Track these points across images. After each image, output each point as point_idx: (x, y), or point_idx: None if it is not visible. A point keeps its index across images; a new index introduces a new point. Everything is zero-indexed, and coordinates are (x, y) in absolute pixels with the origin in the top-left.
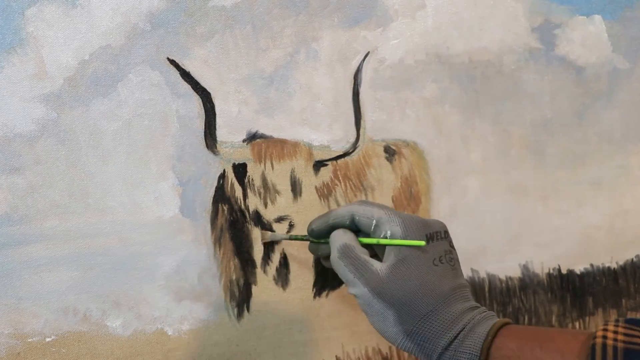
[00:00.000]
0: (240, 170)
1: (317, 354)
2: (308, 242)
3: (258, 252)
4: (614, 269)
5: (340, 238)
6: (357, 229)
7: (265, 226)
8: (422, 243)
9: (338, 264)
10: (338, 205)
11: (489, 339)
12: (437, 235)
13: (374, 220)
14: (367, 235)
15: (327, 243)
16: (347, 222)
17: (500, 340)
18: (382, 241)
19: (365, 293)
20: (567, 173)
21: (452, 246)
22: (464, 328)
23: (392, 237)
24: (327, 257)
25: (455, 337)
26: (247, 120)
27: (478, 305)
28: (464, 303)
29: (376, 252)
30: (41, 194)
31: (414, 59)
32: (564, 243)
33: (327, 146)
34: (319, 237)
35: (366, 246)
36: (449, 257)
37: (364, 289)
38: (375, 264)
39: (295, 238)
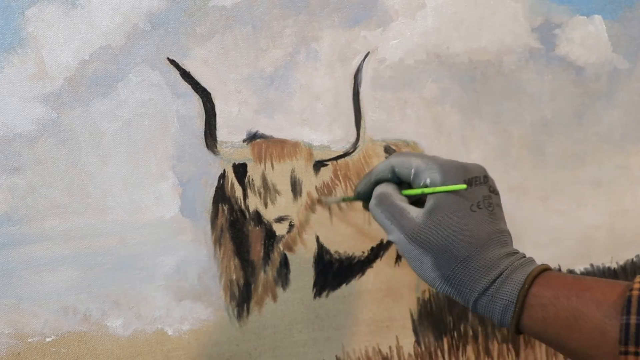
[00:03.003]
0: (240, 170)
1: (317, 354)
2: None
3: (258, 252)
4: (614, 269)
5: (379, 188)
6: (399, 181)
7: (266, 226)
8: (463, 186)
9: (375, 211)
10: (338, 205)
11: (526, 286)
12: (476, 180)
13: (413, 170)
14: (410, 187)
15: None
16: (389, 176)
17: (537, 288)
18: (422, 190)
19: (402, 239)
20: (567, 173)
21: (492, 191)
22: (501, 274)
23: (432, 184)
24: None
25: (493, 283)
26: (247, 120)
27: (517, 250)
28: (502, 248)
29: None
30: (41, 194)
31: (414, 59)
32: (563, 243)
33: (327, 146)
34: (366, 197)
35: (412, 198)
36: (488, 202)
37: (401, 235)
38: (412, 210)
39: (348, 199)
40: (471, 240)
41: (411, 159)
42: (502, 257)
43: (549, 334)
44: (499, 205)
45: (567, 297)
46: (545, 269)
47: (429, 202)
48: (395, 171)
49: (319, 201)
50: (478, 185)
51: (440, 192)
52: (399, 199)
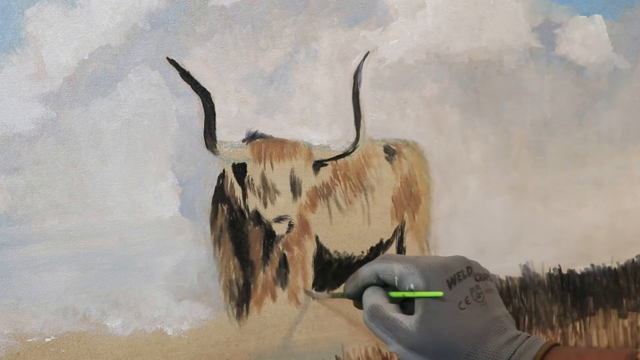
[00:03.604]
0: (239, 170)
1: (317, 354)
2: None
3: (257, 251)
4: (615, 269)
5: (368, 299)
6: (384, 284)
7: (266, 226)
8: (440, 294)
9: (370, 325)
10: (338, 205)
11: None
12: (459, 275)
13: (396, 277)
14: (396, 288)
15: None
16: (375, 281)
17: None
18: (407, 294)
19: (401, 350)
20: (568, 173)
21: (479, 279)
22: None
23: (416, 288)
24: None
25: None
26: (247, 120)
27: (518, 333)
28: (501, 336)
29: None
30: (40, 194)
31: (413, 59)
32: (564, 243)
33: (327, 146)
34: (355, 297)
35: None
36: (476, 293)
37: (399, 346)
38: (405, 320)
39: (336, 296)
40: (467, 339)
41: (393, 265)
42: (502, 345)
43: None
44: (491, 290)
45: None
46: (550, 346)
47: (418, 308)
48: (379, 277)
49: (307, 292)
50: (462, 280)
51: (421, 297)
52: (390, 310)
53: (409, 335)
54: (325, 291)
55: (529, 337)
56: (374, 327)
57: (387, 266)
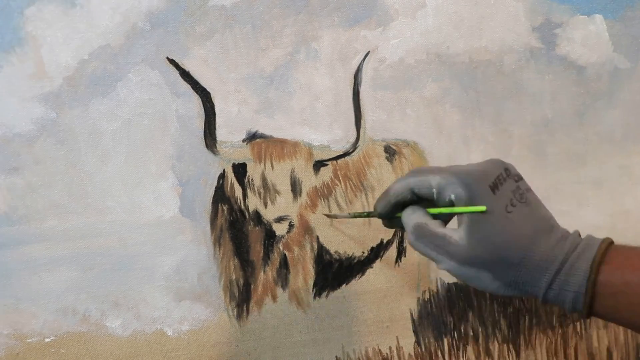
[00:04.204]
0: (240, 170)
1: (317, 354)
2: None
3: (258, 252)
4: None
5: (410, 219)
6: (419, 198)
7: (266, 226)
8: (483, 208)
9: (417, 246)
10: (338, 205)
11: (592, 276)
12: (500, 179)
13: (434, 190)
14: (431, 203)
15: (398, 218)
16: (409, 196)
17: (605, 276)
18: (447, 210)
19: (454, 266)
20: (568, 173)
21: (518, 179)
22: (562, 265)
23: (457, 199)
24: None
25: (556, 275)
26: (247, 120)
27: (566, 231)
28: (551, 235)
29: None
30: (40, 194)
31: (414, 59)
32: None
33: (327, 146)
34: (387, 215)
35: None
36: (519, 195)
37: (451, 262)
38: (454, 234)
39: (361, 215)
40: (519, 242)
41: (429, 177)
42: (554, 246)
43: (622, 318)
44: (529, 189)
45: (637, 284)
46: (607, 245)
47: (464, 219)
48: (415, 192)
49: (328, 216)
50: (503, 184)
51: (464, 212)
52: (435, 226)
53: (461, 249)
54: (348, 213)
55: (579, 236)
56: (423, 246)
57: (423, 179)
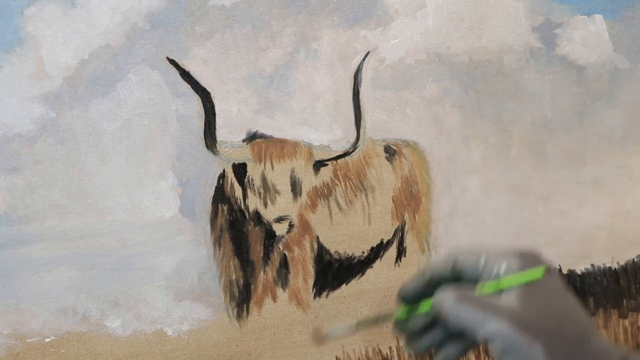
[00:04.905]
0: (240, 170)
1: (317, 354)
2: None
3: (258, 252)
4: (615, 269)
5: (449, 290)
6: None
7: (266, 226)
8: (541, 270)
9: (457, 310)
10: (338, 205)
11: None
12: (547, 261)
13: (482, 258)
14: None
15: (420, 310)
16: (449, 271)
17: None
18: (501, 284)
19: (504, 329)
20: (568, 173)
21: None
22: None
23: (508, 269)
24: (420, 332)
25: None
26: (247, 120)
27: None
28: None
29: None
30: (40, 194)
31: (414, 59)
32: (564, 243)
33: (327, 146)
34: (414, 300)
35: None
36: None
37: (501, 324)
38: (502, 297)
39: (366, 323)
40: (579, 321)
41: (477, 251)
42: (609, 344)
43: None
44: None
45: None
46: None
47: (516, 287)
48: (459, 261)
49: (317, 336)
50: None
51: (523, 282)
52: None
53: (517, 308)
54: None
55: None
56: (464, 308)
57: (466, 255)
